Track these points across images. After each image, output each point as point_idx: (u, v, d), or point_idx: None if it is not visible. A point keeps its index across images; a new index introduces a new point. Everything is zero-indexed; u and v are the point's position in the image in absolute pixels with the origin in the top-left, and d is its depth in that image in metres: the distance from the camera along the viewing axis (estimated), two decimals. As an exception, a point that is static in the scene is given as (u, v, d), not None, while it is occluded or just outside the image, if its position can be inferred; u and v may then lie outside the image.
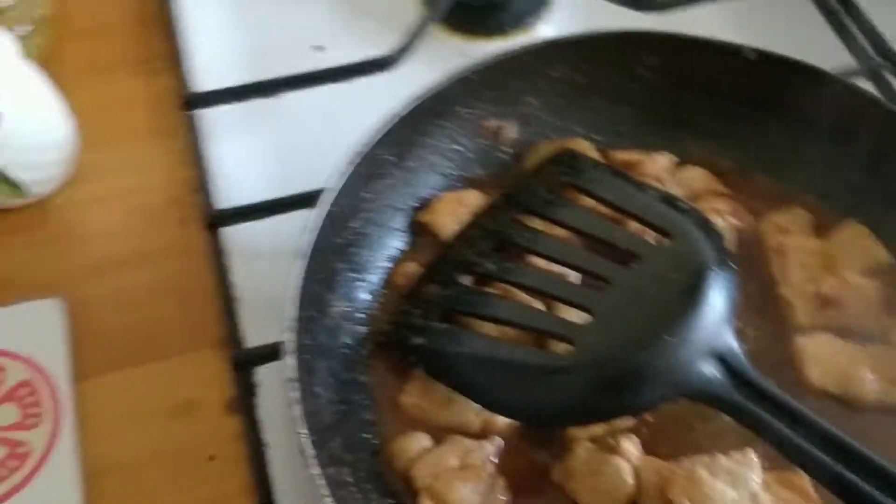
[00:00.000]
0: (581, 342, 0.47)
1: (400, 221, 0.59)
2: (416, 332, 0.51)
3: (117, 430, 0.56)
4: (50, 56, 0.72)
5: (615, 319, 0.48)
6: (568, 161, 0.57)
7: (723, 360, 0.46)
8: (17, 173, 0.62)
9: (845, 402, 0.52)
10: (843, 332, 0.54)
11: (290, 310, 0.49)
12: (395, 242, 0.59)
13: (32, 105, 0.62)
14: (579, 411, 0.47)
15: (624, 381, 0.46)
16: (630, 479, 0.48)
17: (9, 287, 0.62)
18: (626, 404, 0.47)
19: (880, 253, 0.56)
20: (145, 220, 0.66)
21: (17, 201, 0.64)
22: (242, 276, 0.61)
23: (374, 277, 0.57)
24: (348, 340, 0.54)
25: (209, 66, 0.73)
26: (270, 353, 0.55)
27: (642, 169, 0.59)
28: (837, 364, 0.52)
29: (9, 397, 0.56)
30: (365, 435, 0.51)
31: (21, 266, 0.63)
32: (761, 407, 0.45)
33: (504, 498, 0.49)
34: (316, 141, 0.67)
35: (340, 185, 0.54)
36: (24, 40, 0.64)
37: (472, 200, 0.59)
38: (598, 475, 0.48)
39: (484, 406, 0.50)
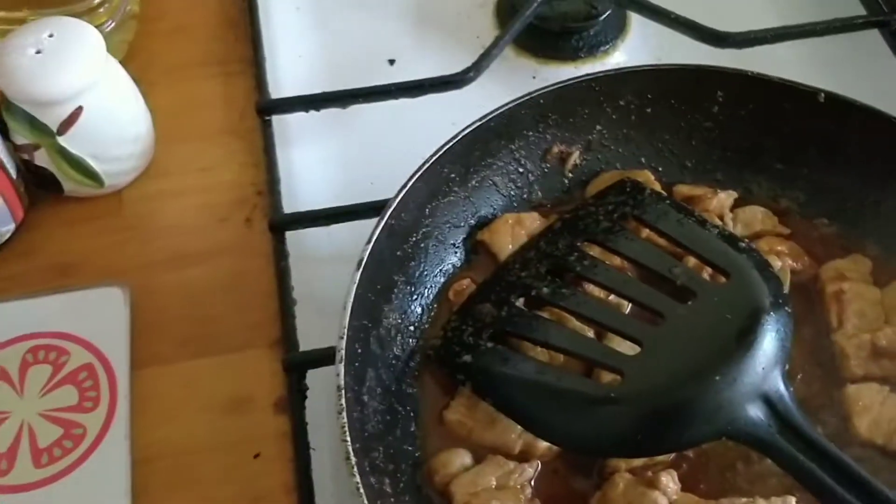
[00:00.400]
0: (630, 374, 0.48)
1: (458, 238, 0.60)
2: (466, 349, 0.52)
3: (168, 421, 0.58)
4: (132, 53, 0.74)
5: (666, 355, 0.48)
6: (630, 191, 0.57)
7: (770, 404, 0.46)
8: (95, 164, 0.64)
9: (892, 456, 0.51)
10: None
11: (345, 318, 0.50)
12: (452, 258, 0.59)
13: (113, 100, 0.64)
14: (623, 443, 0.48)
15: (670, 416, 0.46)
16: (667, 515, 0.48)
17: (78, 272, 0.64)
18: (670, 440, 0.47)
19: (941, 308, 0.56)
20: (212, 218, 0.67)
21: (93, 191, 0.66)
22: (302, 280, 0.62)
23: (428, 291, 0.58)
24: (398, 352, 0.55)
25: (284, 73, 0.75)
26: (323, 357, 0.56)
27: (704, 205, 0.59)
28: (887, 416, 0.51)
29: (70, 379, 0.58)
30: (407, 447, 0.52)
31: (91, 253, 0.65)
32: (806, 454, 0.45)
33: (540, 521, 0.49)
34: (383, 152, 0.68)
35: (403, 199, 0.55)
36: (109, 36, 0.66)
37: (532, 223, 0.59)
38: (636, 508, 0.48)
39: (527, 429, 0.50)
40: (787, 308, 0.49)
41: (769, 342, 0.47)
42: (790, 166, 0.61)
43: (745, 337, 0.47)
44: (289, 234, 0.64)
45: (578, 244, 0.55)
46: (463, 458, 0.51)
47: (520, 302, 0.54)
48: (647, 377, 0.47)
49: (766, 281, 0.50)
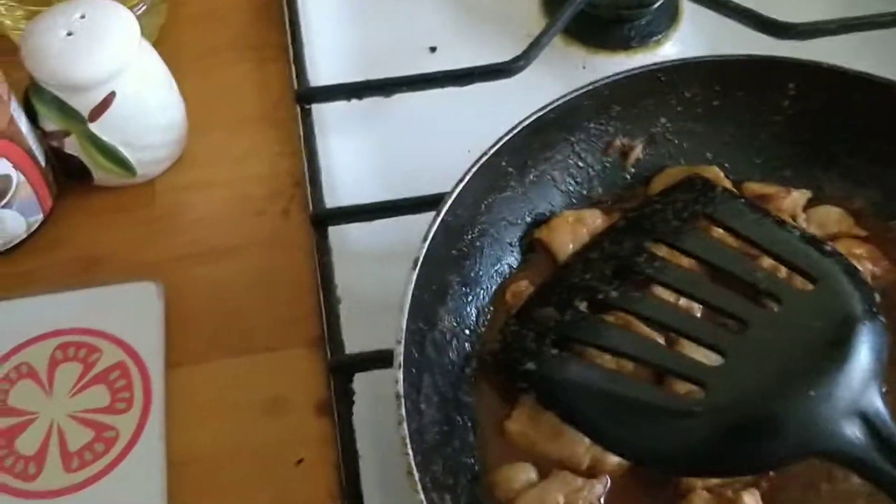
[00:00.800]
0: (715, 387, 0.44)
1: (514, 236, 0.56)
2: (529, 356, 0.49)
3: (205, 422, 0.55)
4: (164, 37, 0.71)
5: (752, 365, 0.45)
6: (700, 188, 0.54)
7: (867, 420, 0.43)
8: (126, 152, 0.61)
9: None
10: None
11: (402, 321, 0.47)
12: (508, 258, 0.56)
13: (147, 85, 0.61)
14: (705, 461, 0.44)
15: (759, 433, 0.43)
16: (748, 537, 0.45)
17: (108, 264, 0.61)
18: (757, 459, 0.44)
19: None
20: (248, 209, 0.64)
21: (124, 180, 0.63)
22: (344, 278, 0.59)
23: (484, 293, 0.55)
24: (454, 357, 0.51)
25: (321, 60, 0.71)
26: (372, 360, 0.53)
27: (777, 204, 0.55)
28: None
29: (101, 379, 0.55)
30: (466, 459, 0.49)
31: (122, 245, 0.62)
32: None
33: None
34: (427, 144, 0.65)
35: (460, 193, 0.51)
36: (141, 20, 0.63)
37: (593, 220, 0.56)
38: (713, 529, 0.45)
39: (597, 442, 0.47)
40: (881, 317, 0.46)
41: (865, 354, 0.44)
42: (864, 163, 0.58)
43: (840, 348, 0.44)
44: (331, 230, 0.61)
45: (646, 244, 0.52)
46: (528, 472, 0.47)
47: (583, 306, 0.51)
48: (734, 390, 0.44)
49: (856, 287, 0.47)
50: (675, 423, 0.45)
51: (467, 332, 0.53)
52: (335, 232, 0.61)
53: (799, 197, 0.56)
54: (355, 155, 0.67)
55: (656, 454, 0.45)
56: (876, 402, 0.43)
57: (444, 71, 0.66)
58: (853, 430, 0.43)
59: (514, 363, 0.49)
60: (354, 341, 0.56)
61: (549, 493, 0.46)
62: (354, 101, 0.67)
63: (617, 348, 0.48)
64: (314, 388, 0.56)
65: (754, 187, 0.57)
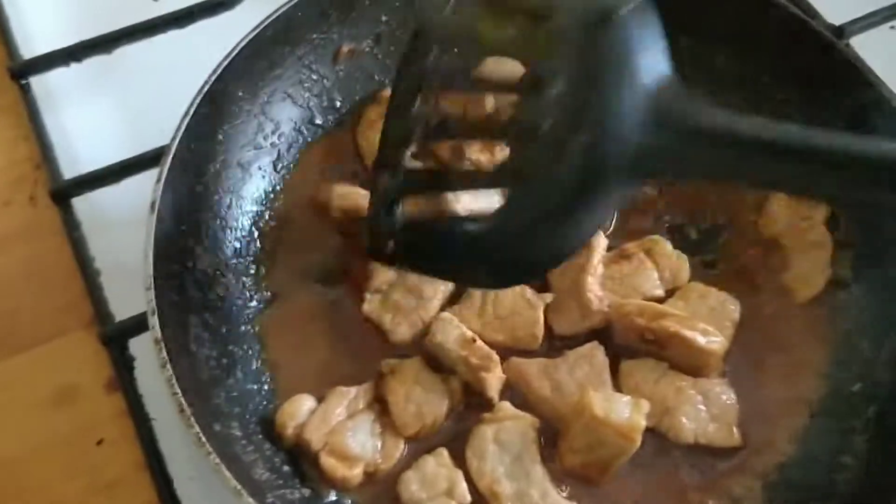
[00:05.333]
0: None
1: (264, 161, 0.55)
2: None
3: (-2, 428, 0.52)
4: None
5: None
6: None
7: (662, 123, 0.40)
8: None
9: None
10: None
11: (148, 267, 0.45)
12: (261, 184, 0.55)
13: None
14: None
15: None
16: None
17: None
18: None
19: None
20: (-9, 204, 0.61)
21: None
22: (103, 249, 0.56)
23: (242, 223, 0.53)
24: (221, 293, 0.50)
25: (35, 30, 0.67)
26: (141, 323, 0.51)
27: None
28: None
29: None
30: (251, 385, 0.48)
31: None
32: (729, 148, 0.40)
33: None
34: (163, 95, 0.61)
35: (189, 127, 0.50)
36: None
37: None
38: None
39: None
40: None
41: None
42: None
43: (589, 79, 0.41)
44: (81, 202, 0.58)
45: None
46: (306, 402, 0.48)
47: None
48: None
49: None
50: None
51: (233, 263, 0.52)
52: (86, 204, 0.58)
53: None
54: (94, 122, 0.63)
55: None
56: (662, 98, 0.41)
57: (162, 16, 0.63)
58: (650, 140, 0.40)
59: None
60: (130, 308, 0.54)
61: (330, 413, 0.47)
62: (80, 67, 0.63)
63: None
64: (100, 367, 0.54)
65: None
